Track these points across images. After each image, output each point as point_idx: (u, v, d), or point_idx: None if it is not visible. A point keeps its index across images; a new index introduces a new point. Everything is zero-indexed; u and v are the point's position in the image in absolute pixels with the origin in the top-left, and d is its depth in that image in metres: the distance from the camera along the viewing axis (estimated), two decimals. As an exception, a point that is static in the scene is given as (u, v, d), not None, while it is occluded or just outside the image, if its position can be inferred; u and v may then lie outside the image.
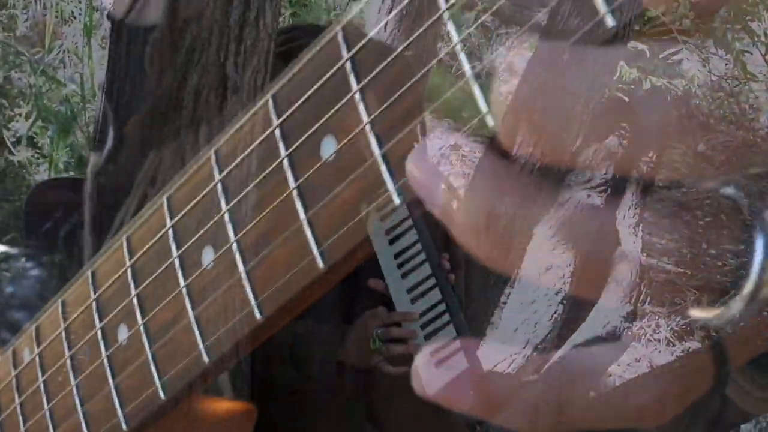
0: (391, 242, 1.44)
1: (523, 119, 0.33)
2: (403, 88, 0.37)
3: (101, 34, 2.46)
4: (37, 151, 2.46)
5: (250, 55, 1.54)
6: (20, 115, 2.46)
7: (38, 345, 0.54)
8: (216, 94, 1.51)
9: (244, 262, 0.43)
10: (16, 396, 0.55)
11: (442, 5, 0.37)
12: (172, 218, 0.47)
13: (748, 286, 0.33)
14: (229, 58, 1.51)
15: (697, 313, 0.35)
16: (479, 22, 0.36)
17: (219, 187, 0.44)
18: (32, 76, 2.50)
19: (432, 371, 0.36)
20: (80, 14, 2.60)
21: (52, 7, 2.62)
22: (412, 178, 0.36)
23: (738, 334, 0.34)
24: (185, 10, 1.35)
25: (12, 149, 2.42)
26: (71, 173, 2.44)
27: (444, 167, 0.35)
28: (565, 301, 1.77)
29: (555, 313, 1.79)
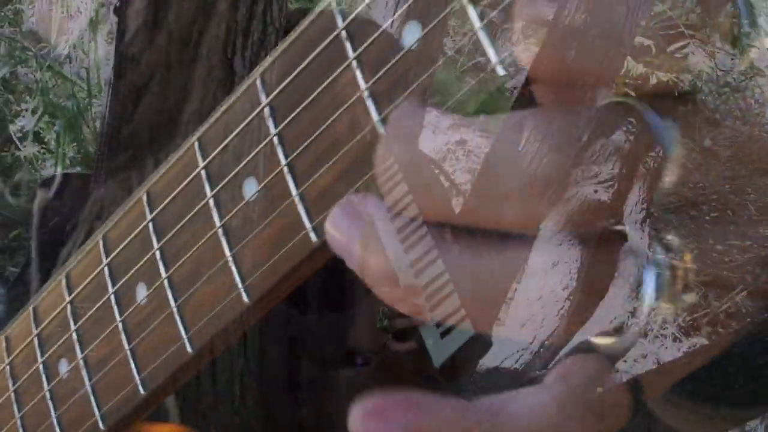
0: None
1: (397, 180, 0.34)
2: (318, 131, 0.39)
3: (107, 29, 2.47)
4: (44, 146, 2.47)
5: (257, 50, 1.54)
6: (27, 110, 2.47)
7: (-16, 380, 0.56)
8: (224, 89, 1.51)
9: (175, 298, 0.46)
10: (-37, 429, 0.56)
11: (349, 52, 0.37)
12: (107, 256, 0.49)
13: (641, 317, 0.34)
14: (237, 53, 1.51)
15: (596, 340, 0.36)
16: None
17: (150, 226, 0.47)
18: (38, 72, 2.51)
19: (365, 423, 0.37)
20: (86, 9, 2.60)
21: (58, 2, 2.63)
22: (330, 238, 0.37)
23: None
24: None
25: (18, 144, 2.43)
26: (78, 168, 2.45)
27: (358, 228, 0.36)
28: (572, 297, 1.77)
29: (562, 308, 1.79)
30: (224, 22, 1.51)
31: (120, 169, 1.29)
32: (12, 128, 2.43)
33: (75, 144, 2.42)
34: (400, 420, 0.36)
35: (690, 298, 0.34)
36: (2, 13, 2.69)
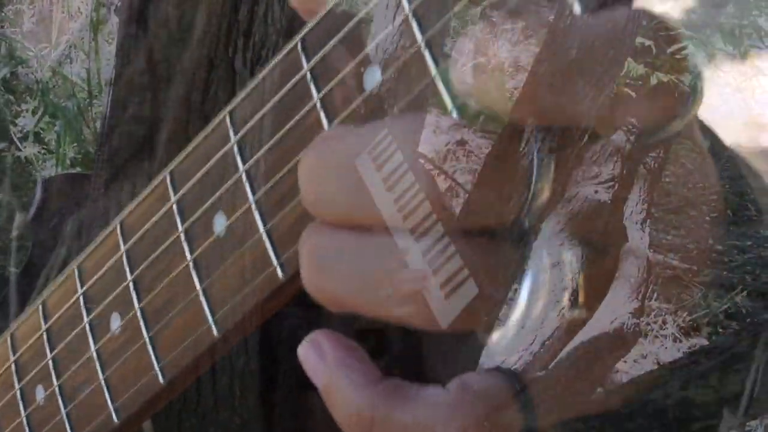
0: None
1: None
2: (285, 170, 0.39)
3: (108, 30, 2.47)
4: (44, 147, 2.47)
5: (258, 50, 1.54)
6: (27, 110, 2.48)
7: (-38, 404, 0.57)
8: (225, 89, 1.51)
9: (148, 329, 0.47)
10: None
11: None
12: (82, 286, 0.50)
13: (516, 315, 0.37)
14: (238, 54, 1.51)
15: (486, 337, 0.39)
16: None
17: (124, 257, 0.47)
18: (39, 72, 2.52)
19: (304, 346, 0.41)
20: (87, 9, 2.60)
21: (59, 3, 2.63)
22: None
23: (546, 389, 0.38)
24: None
25: (19, 145, 2.44)
26: (78, 169, 2.45)
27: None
28: (572, 297, 1.78)
29: (563, 309, 1.79)
30: (225, 22, 1.51)
31: (107, 182, 1.29)
32: (12, 129, 2.44)
33: (75, 144, 2.42)
34: (327, 357, 0.40)
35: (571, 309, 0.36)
36: (2, 14, 2.69)
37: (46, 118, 2.49)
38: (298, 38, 0.38)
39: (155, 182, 0.46)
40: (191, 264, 0.44)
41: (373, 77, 0.35)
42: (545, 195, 0.34)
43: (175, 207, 0.44)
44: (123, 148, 1.40)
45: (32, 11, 2.69)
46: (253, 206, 0.41)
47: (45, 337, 0.52)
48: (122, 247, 0.47)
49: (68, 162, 2.42)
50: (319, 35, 0.37)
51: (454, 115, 0.33)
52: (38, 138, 2.48)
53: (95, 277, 0.49)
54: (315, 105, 0.38)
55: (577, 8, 0.31)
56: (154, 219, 0.46)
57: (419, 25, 0.34)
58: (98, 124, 2.26)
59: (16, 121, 2.49)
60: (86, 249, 0.49)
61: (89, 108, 2.47)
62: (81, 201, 1.49)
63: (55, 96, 2.54)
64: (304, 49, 0.38)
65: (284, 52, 0.39)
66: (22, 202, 2.36)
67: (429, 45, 0.33)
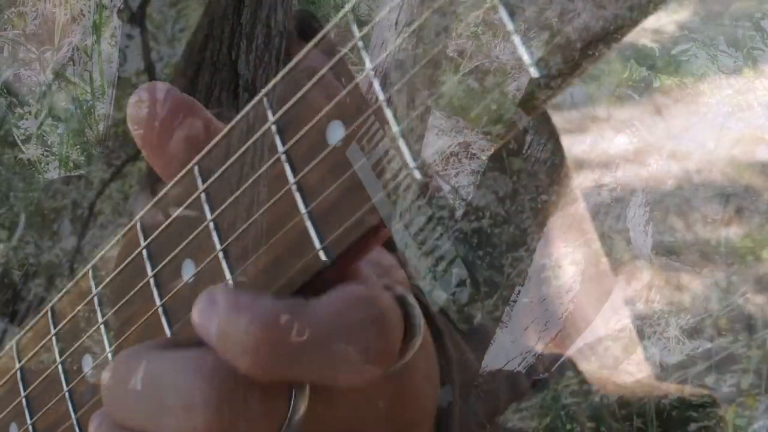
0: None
1: None
2: (251, 220, 0.39)
3: (110, 32, 2.47)
4: (47, 149, 2.48)
5: (261, 53, 1.55)
6: (30, 113, 2.48)
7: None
8: (228, 91, 1.52)
9: None
10: None
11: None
12: (55, 327, 0.50)
13: None
14: (241, 57, 1.52)
15: None
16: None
17: (96, 300, 0.48)
18: (42, 74, 2.52)
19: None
20: (89, 12, 2.60)
21: (61, 5, 2.63)
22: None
23: None
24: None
25: (22, 147, 2.44)
26: (81, 171, 2.45)
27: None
28: (575, 299, 1.78)
29: (566, 311, 1.79)
30: (228, 25, 1.51)
31: (106, 183, 1.29)
32: (16, 131, 2.44)
33: (78, 147, 2.42)
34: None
35: None
36: (5, 16, 2.69)
37: (49, 121, 2.49)
38: (264, 91, 0.38)
39: (127, 227, 0.46)
40: (161, 309, 0.44)
41: (336, 132, 0.35)
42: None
43: (144, 252, 0.45)
44: (121, 149, 1.40)
45: (34, 13, 2.69)
46: (221, 255, 0.41)
47: (19, 375, 0.52)
48: (93, 290, 0.48)
49: (71, 164, 2.43)
50: (286, 89, 0.37)
51: (416, 173, 0.33)
52: (41, 140, 2.48)
53: (68, 318, 0.49)
54: (279, 158, 0.38)
55: (534, 72, 0.31)
56: (124, 263, 0.46)
57: (381, 83, 0.33)
58: (101, 126, 2.26)
59: (19, 124, 2.49)
60: (62, 290, 0.50)
61: (92, 110, 2.47)
62: (79, 202, 1.50)
63: (58, 98, 2.54)
64: (270, 101, 0.38)
65: (251, 104, 0.39)
66: (23, 204, 2.36)
67: (390, 102, 0.33)
